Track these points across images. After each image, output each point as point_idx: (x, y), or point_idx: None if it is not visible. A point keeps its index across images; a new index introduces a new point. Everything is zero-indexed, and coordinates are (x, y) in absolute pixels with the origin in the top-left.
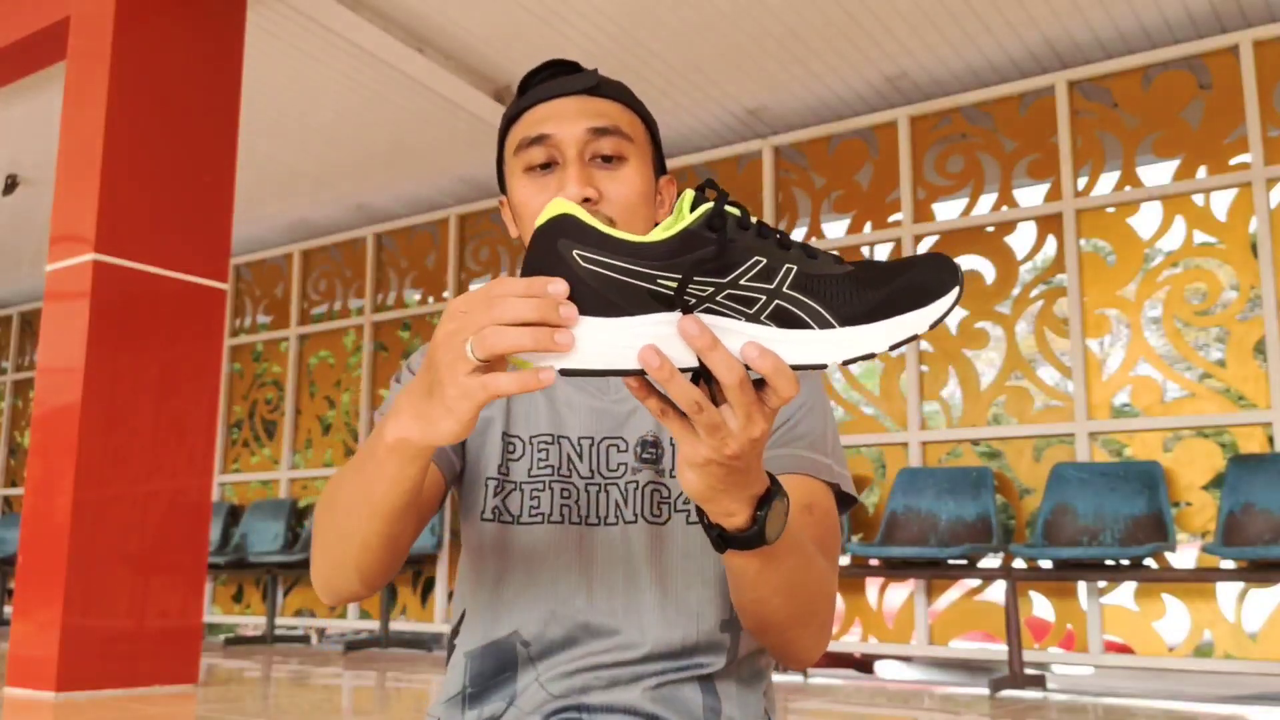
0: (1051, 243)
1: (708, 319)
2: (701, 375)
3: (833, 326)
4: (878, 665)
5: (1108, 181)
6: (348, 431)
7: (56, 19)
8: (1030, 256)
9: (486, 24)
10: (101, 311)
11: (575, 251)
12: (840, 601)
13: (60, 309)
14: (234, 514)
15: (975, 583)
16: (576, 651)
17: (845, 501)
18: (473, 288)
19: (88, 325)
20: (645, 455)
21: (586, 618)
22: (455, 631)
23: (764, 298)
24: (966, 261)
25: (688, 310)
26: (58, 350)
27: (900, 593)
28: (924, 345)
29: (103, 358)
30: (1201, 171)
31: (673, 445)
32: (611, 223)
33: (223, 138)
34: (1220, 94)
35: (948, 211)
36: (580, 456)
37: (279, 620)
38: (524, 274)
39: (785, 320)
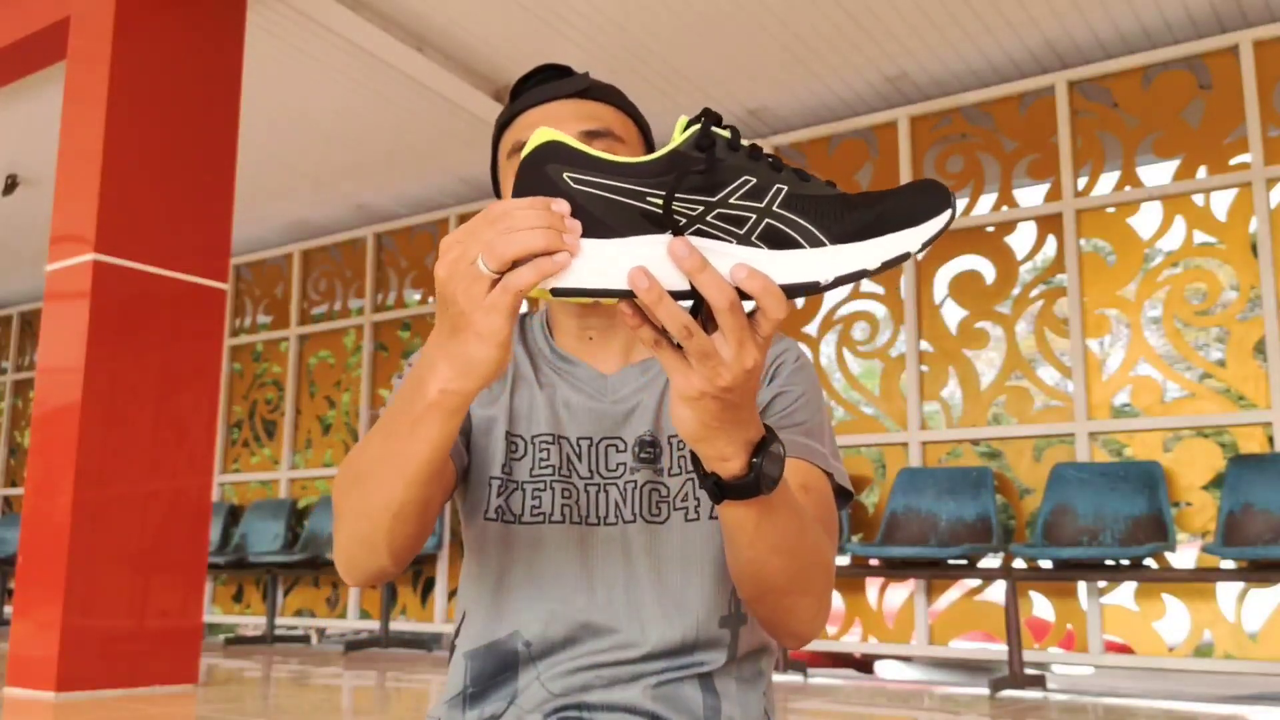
0: (1051, 243)
1: (698, 242)
2: (694, 308)
3: (824, 245)
4: (878, 665)
5: (1108, 181)
6: (348, 431)
7: (56, 19)
8: (1030, 256)
9: (486, 24)
10: (101, 311)
11: (565, 174)
12: (840, 601)
13: (60, 309)
14: (234, 514)
15: (975, 583)
16: (577, 650)
17: (841, 498)
18: None
19: (88, 325)
20: (644, 455)
21: (587, 617)
22: (457, 632)
23: (754, 217)
24: (966, 262)
25: (678, 231)
26: (58, 350)
27: (900, 593)
28: (924, 345)
29: (103, 358)
30: (1201, 171)
31: (671, 444)
32: None
33: (223, 138)
34: (1220, 94)
35: None
36: (579, 457)
37: (279, 620)
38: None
39: (776, 240)
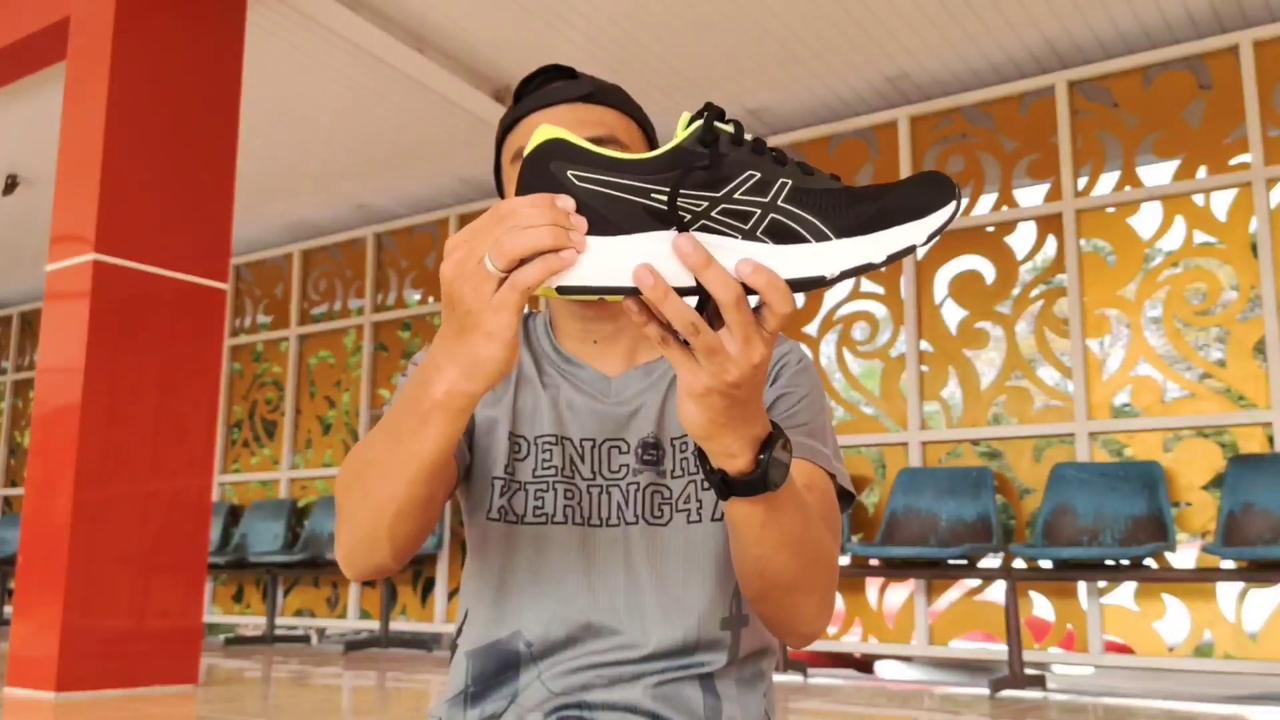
0: (1051, 243)
1: (703, 238)
2: (701, 304)
3: (829, 239)
4: (878, 665)
5: (1108, 181)
6: (348, 431)
7: (56, 19)
8: (1030, 256)
9: (486, 24)
10: (101, 311)
11: (569, 171)
12: (840, 601)
13: (60, 309)
14: (234, 514)
15: (975, 583)
16: (578, 650)
17: (843, 500)
18: None
19: (88, 325)
20: (646, 457)
21: (589, 618)
22: (459, 632)
23: (758, 212)
24: (966, 262)
25: (683, 227)
26: (58, 350)
27: (900, 593)
28: (924, 345)
29: (103, 358)
30: (1201, 171)
31: (674, 446)
32: None
33: (223, 138)
34: (1220, 94)
35: None
36: (582, 458)
37: (279, 620)
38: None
39: (781, 235)
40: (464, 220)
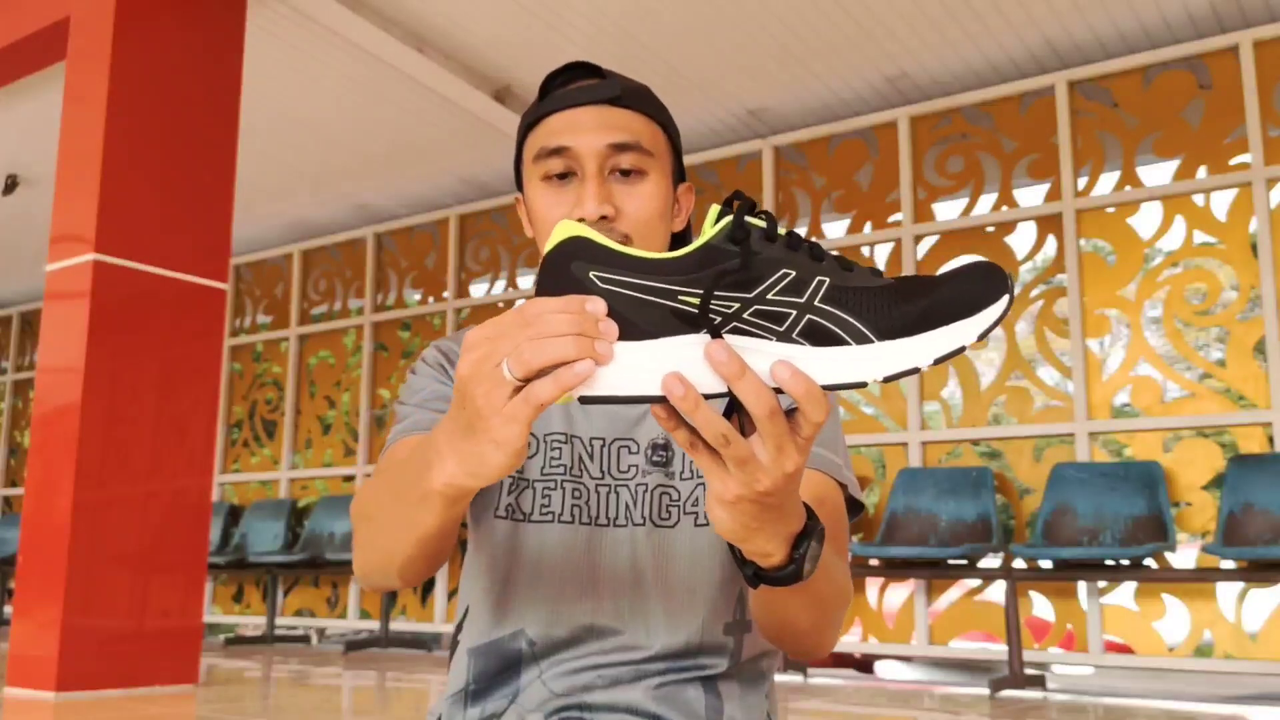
0: (1051, 243)
1: (736, 340)
2: (733, 404)
3: (870, 341)
4: (878, 665)
5: (1108, 181)
6: (348, 431)
7: (56, 19)
8: (1030, 256)
9: (486, 24)
10: (101, 311)
11: (591, 273)
12: None
13: (60, 309)
14: (234, 514)
15: (975, 583)
16: (580, 650)
17: (852, 508)
18: (472, 289)
19: (88, 325)
20: (656, 459)
21: (592, 619)
22: (459, 628)
23: (794, 313)
24: (967, 261)
25: (714, 329)
26: (58, 350)
27: (900, 593)
28: None
29: (103, 358)
30: (1201, 171)
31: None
32: (627, 239)
33: (223, 138)
34: (1220, 94)
35: (948, 211)
36: (591, 457)
37: (279, 620)
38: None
39: (819, 337)
40: (464, 220)
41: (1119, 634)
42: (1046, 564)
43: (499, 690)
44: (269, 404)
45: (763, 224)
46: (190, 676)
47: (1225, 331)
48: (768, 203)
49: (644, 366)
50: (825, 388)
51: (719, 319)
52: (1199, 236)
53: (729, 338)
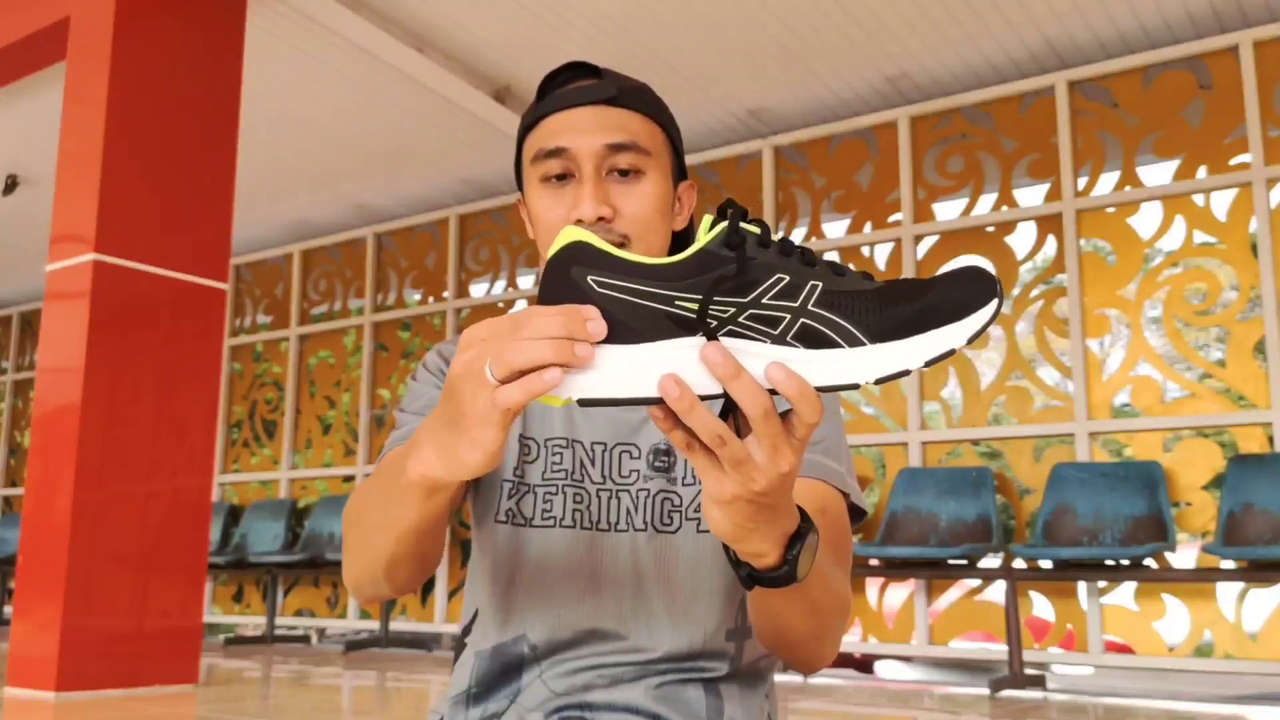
0: (1051, 243)
1: (731, 343)
2: (728, 406)
3: (863, 344)
4: (878, 665)
5: (1108, 181)
6: (348, 431)
7: (56, 19)
8: (1030, 256)
9: (486, 24)
10: (101, 311)
11: (590, 278)
12: None
13: (60, 309)
14: (234, 514)
15: (975, 583)
16: (581, 651)
17: (854, 515)
18: (472, 289)
19: (88, 325)
20: (658, 464)
21: (594, 623)
22: (467, 630)
23: (788, 317)
24: (966, 262)
25: (709, 333)
26: (58, 350)
27: (900, 593)
28: None
29: (103, 358)
30: (1201, 171)
31: None
32: (626, 239)
33: (223, 138)
34: (1220, 94)
35: (948, 211)
36: (593, 461)
37: (279, 620)
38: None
39: (812, 340)
40: (464, 220)
41: (1119, 634)
42: (1046, 564)
43: (500, 691)
44: (269, 404)
45: (757, 230)
46: (190, 676)
47: (1225, 331)
48: (768, 203)
49: (640, 369)
50: (818, 389)
51: (715, 323)
52: (1199, 236)
53: (724, 341)
